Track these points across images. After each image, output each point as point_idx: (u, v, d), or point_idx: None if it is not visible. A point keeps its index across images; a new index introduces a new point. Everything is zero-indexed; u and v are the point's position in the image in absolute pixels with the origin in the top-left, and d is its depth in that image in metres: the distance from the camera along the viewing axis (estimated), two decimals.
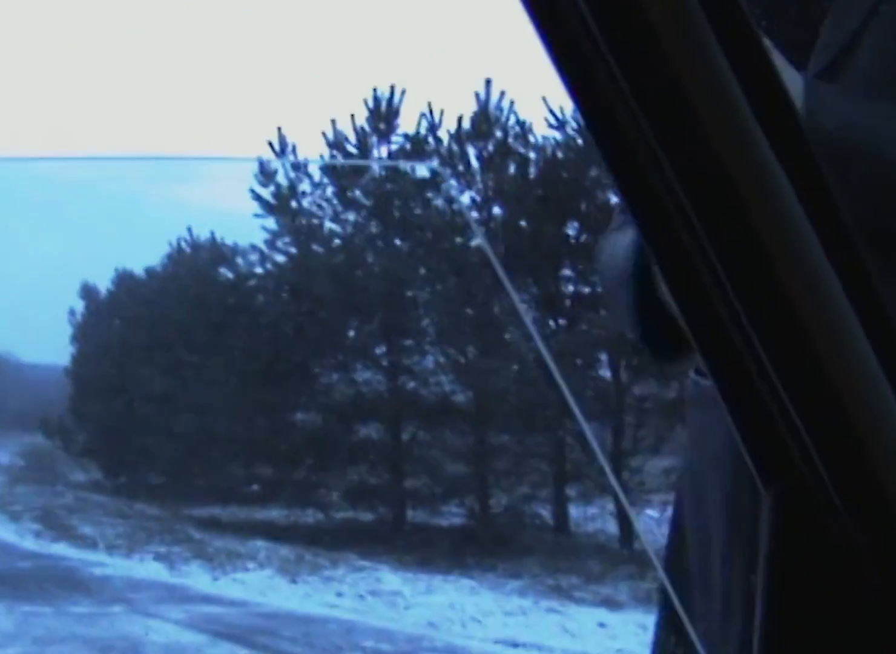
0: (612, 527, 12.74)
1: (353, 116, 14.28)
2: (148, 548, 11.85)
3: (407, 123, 14.25)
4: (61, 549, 11.90)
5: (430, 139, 14.05)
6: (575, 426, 12.03)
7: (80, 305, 22.33)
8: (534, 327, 13.76)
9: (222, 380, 15.14)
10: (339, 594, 9.73)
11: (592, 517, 13.26)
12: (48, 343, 23.09)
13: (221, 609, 8.73)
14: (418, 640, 7.99)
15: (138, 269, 20.18)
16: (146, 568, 10.80)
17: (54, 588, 9.01)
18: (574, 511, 13.58)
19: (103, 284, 22.10)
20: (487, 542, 12.38)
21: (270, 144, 14.48)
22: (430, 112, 13.94)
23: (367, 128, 14.31)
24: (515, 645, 7.93)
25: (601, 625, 8.59)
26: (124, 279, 20.42)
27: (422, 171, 14.22)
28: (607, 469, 12.88)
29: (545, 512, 13.73)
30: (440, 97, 14.25)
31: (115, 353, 18.64)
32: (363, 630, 8.11)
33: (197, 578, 10.37)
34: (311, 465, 14.65)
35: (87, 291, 22.30)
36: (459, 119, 13.82)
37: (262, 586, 10.02)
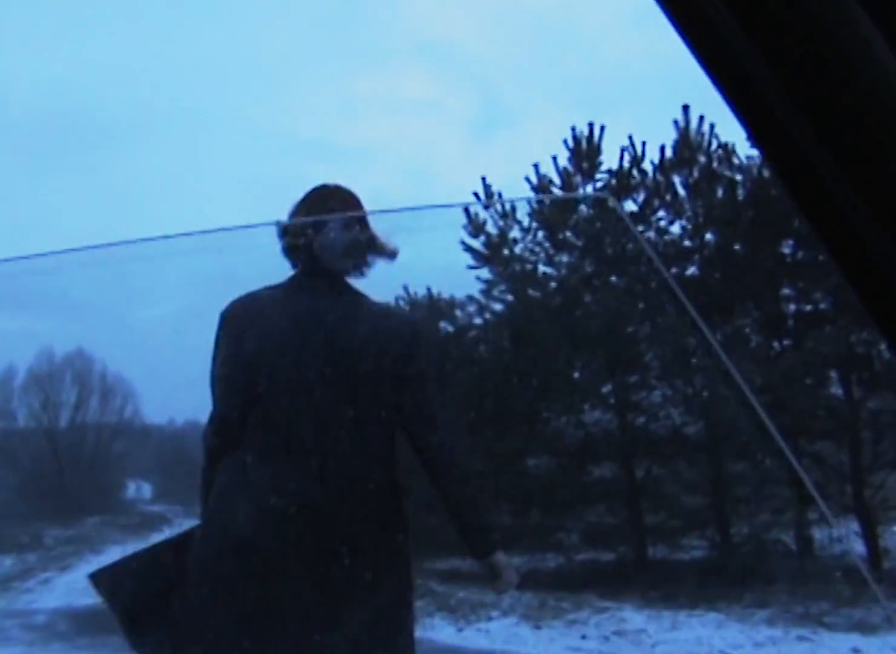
0: (858, 547, 12.44)
1: (555, 157, 14.79)
2: None
3: (609, 159, 14.62)
4: None
5: (635, 172, 14.37)
6: (810, 448, 12.05)
7: None
8: (758, 350, 13.77)
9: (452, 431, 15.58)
10: (584, 637, 9.73)
11: (838, 539, 13.03)
12: None
13: None
14: None
15: None
16: None
17: None
18: (818, 534, 13.35)
19: None
20: (731, 573, 12.28)
21: (476, 195, 15.03)
22: (632, 145, 14.31)
23: (570, 168, 14.76)
24: None
25: (855, 651, 8.43)
26: None
27: (629, 205, 14.55)
28: (848, 488, 12.76)
29: (788, 538, 13.64)
30: (639, 129, 14.51)
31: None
32: None
33: (441, 630, 10.51)
34: (548, 509, 14.93)
35: None
36: (662, 149, 14.14)
37: (506, 634, 10.09)
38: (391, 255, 3.26)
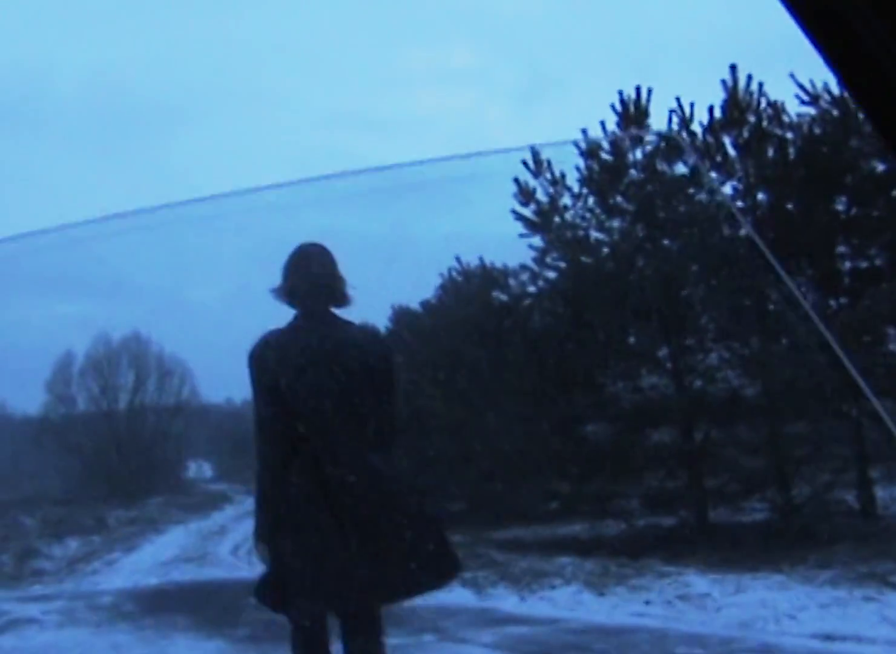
0: None
1: (603, 122, 14.72)
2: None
3: (657, 122, 14.72)
4: None
5: (684, 134, 14.34)
6: (870, 406, 12.07)
7: None
8: (814, 308, 13.79)
9: (509, 402, 15.82)
10: (648, 602, 9.74)
11: None
12: None
13: (531, 629, 8.84)
14: (731, 642, 7.90)
15: (414, 303, 21.28)
16: (454, 595, 10.49)
17: None
18: (880, 493, 13.47)
19: (382, 322, 23.34)
20: (793, 534, 12.40)
21: (525, 163, 15.11)
22: (680, 107, 14.29)
23: (618, 132, 14.81)
24: (832, 638, 7.82)
25: None
26: (402, 315, 21.46)
27: (680, 167, 14.60)
28: None
29: (850, 498, 13.68)
30: (687, 91, 14.47)
31: (402, 388, 19.53)
32: (675, 637, 8.11)
33: (504, 600, 10.52)
34: (607, 475, 14.99)
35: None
36: (710, 110, 14.13)
37: (569, 602, 10.11)
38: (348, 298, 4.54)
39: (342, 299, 4.52)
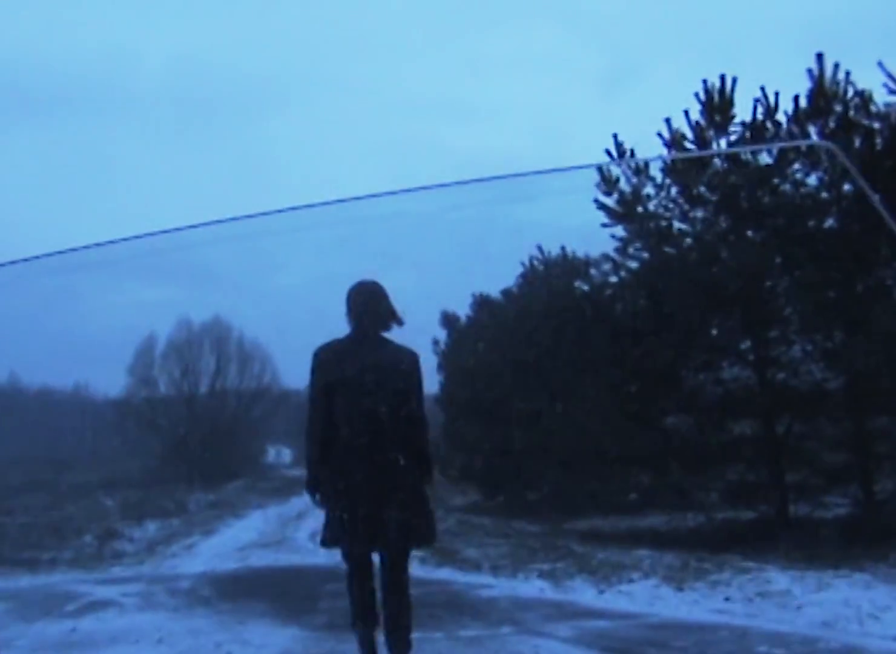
0: None
1: (686, 111, 14.90)
2: (532, 566, 12.09)
3: (742, 111, 14.70)
4: (447, 573, 12.17)
5: (769, 124, 14.40)
6: None
7: (442, 335, 23.90)
8: None
9: (589, 392, 15.95)
10: (728, 599, 9.50)
11: None
12: None
13: (609, 623, 8.67)
14: (813, 642, 7.58)
15: (494, 292, 21.50)
16: (531, 587, 10.95)
17: (443, 613, 9.22)
18: None
19: (462, 310, 23.56)
20: (876, 531, 12.32)
21: (608, 152, 15.24)
22: (765, 96, 14.34)
23: (702, 122, 14.86)
24: None
25: None
26: (482, 304, 21.69)
27: (764, 158, 14.63)
28: None
29: None
30: (772, 80, 14.45)
31: (482, 377, 19.92)
32: (756, 635, 7.84)
33: (582, 592, 10.39)
34: (687, 467, 15.13)
35: (448, 320, 23.95)
36: (796, 99, 14.13)
37: (648, 596, 9.95)
38: (401, 320, 6.03)
39: (387, 326, 6.01)
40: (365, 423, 5.87)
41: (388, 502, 5.92)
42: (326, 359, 6.03)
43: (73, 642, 8.63)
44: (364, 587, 6.31)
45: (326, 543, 6.22)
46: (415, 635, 7.63)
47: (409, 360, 6.11)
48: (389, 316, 6.02)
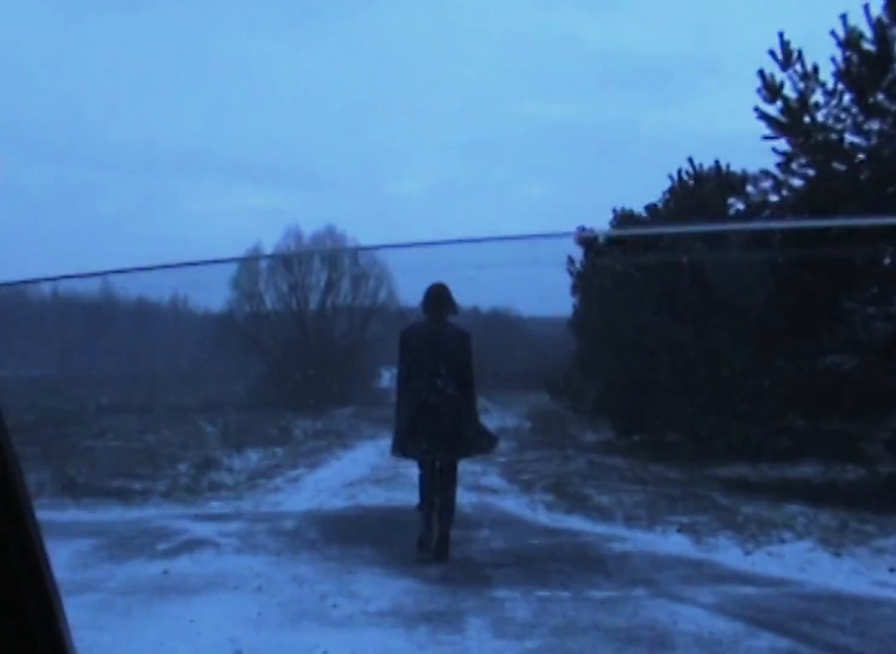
0: None
1: (866, 6, 13.82)
2: (670, 518, 11.67)
3: None
4: (576, 522, 11.91)
5: None
6: None
7: (578, 253, 23.02)
8: None
9: (740, 324, 15.39)
10: (892, 570, 8.96)
11: None
12: (548, 295, 24.01)
13: (755, 590, 8.34)
14: None
15: (637, 207, 20.85)
16: (669, 542, 10.55)
17: (571, 570, 9.07)
18: None
19: (603, 227, 23.03)
20: None
21: (772, 53, 14.50)
22: None
23: (884, 19, 13.85)
24: None
25: None
26: (624, 220, 21.06)
27: None
28: None
29: None
30: None
31: (621, 302, 19.25)
32: None
33: (726, 552, 9.99)
34: (849, 413, 14.52)
35: (584, 237, 23.01)
36: None
37: (800, 560, 9.47)
38: (458, 311, 9.82)
39: (449, 314, 9.64)
40: (429, 374, 9.41)
41: (439, 426, 9.39)
42: (409, 339, 9.70)
43: (165, 585, 8.54)
44: (427, 484, 9.65)
45: (401, 453, 9.87)
46: (540, 593, 7.51)
47: (463, 338, 9.71)
48: (451, 308, 9.61)
